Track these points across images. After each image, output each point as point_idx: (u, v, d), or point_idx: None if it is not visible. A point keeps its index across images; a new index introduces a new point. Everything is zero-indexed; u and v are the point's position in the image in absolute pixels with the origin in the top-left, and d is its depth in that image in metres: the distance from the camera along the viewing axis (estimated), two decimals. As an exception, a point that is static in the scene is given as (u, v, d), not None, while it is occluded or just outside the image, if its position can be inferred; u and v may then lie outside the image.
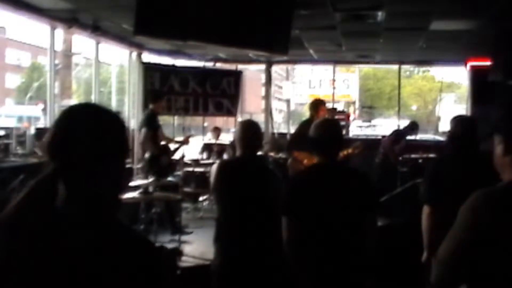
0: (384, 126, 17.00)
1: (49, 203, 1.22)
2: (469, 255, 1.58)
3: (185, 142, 7.34)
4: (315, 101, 6.29)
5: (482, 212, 1.57)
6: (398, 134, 8.40)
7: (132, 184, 5.47)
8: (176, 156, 7.17)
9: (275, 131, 12.08)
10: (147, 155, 6.44)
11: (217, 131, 9.61)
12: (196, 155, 9.28)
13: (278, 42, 6.11)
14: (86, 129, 1.28)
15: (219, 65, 11.42)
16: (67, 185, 1.24)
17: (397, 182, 7.75)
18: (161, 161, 6.49)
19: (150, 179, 5.92)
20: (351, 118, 14.78)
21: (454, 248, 1.62)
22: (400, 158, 8.36)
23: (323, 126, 2.89)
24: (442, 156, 4.60)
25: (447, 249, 1.64)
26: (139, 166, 6.69)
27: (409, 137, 8.45)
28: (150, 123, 6.49)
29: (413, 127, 8.46)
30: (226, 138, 10.64)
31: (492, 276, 1.55)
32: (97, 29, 7.47)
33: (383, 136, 8.57)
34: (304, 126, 6.13)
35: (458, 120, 3.50)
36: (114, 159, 1.32)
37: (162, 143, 6.83)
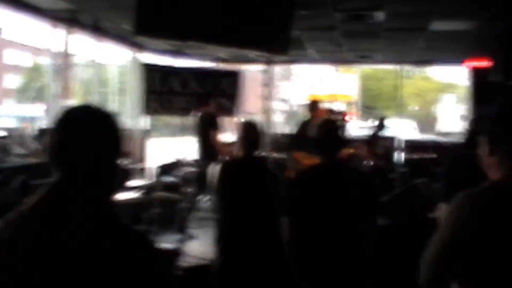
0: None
1: (56, 207, 1.22)
2: (454, 255, 1.59)
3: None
4: (312, 102, 6.30)
5: (465, 213, 1.58)
6: (372, 139, 8.17)
7: (132, 184, 5.48)
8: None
9: (275, 131, 12.08)
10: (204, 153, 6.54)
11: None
12: (197, 155, 9.26)
13: (278, 42, 6.11)
14: (85, 131, 1.29)
15: (219, 65, 11.42)
16: (67, 186, 1.25)
17: (392, 184, 7.72)
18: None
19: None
20: (347, 117, 14.72)
21: (439, 248, 1.63)
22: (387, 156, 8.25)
23: (324, 126, 2.90)
24: (458, 154, 4.61)
25: (433, 249, 1.65)
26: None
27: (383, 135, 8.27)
28: (215, 124, 6.55)
29: (381, 124, 8.22)
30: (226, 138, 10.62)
31: (478, 275, 1.56)
32: (97, 29, 7.47)
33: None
34: (302, 126, 6.16)
35: (475, 120, 3.54)
36: (110, 159, 1.33)
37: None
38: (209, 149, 6.56)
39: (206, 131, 6.56)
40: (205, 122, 6.62)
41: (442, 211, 3.22)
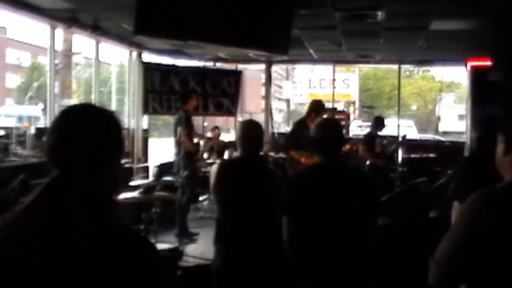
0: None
1: (56, 206, 1.22)
2: (467, 255, 1.57)
3: (215, 139, 8.61)
4: (320, 104, 6.25)
5: (481, 213, 1.56)
6: (369, 138, 8.10)
7: (132, 183, 5.47)
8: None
9: (275, 131, 12.08)
10: (182, 151, 6.59)
11: (216, 130, 9.62)
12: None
13: (278, 42, 6.10)
14: (85, 130, 1.29)
15: (219, 65, 11.41)
16: (67, 185, 1.25)
17: (392, 183, 7.70)
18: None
19: (184, 174, 6.38)
20: (351, 118, 14.79)
21: (452, 248, 1.61)
22: (387, 153, 8.21)
23: (324, 125, 2.89)
24: (472, 155, 4.60)
25: (445, 249, 1.63)
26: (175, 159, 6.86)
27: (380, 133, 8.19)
28: (186, 122, 6.58)
29: (378, 124, 8.14)
30: (226, 137, 10.64)
31: (491, 276, 1.55)
32: (97, 29, 7.47)
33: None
34: (299, 125, 6.17)
35: (485, 120, 3.54)
36: (111, 159, 1.33)
37: (195, 140, 7.09)
38: (176, 147, 6.64)
39: (175, 129, 6.62)
40: (178, 121, 6.65)
41: (456, 210, 3.21)
